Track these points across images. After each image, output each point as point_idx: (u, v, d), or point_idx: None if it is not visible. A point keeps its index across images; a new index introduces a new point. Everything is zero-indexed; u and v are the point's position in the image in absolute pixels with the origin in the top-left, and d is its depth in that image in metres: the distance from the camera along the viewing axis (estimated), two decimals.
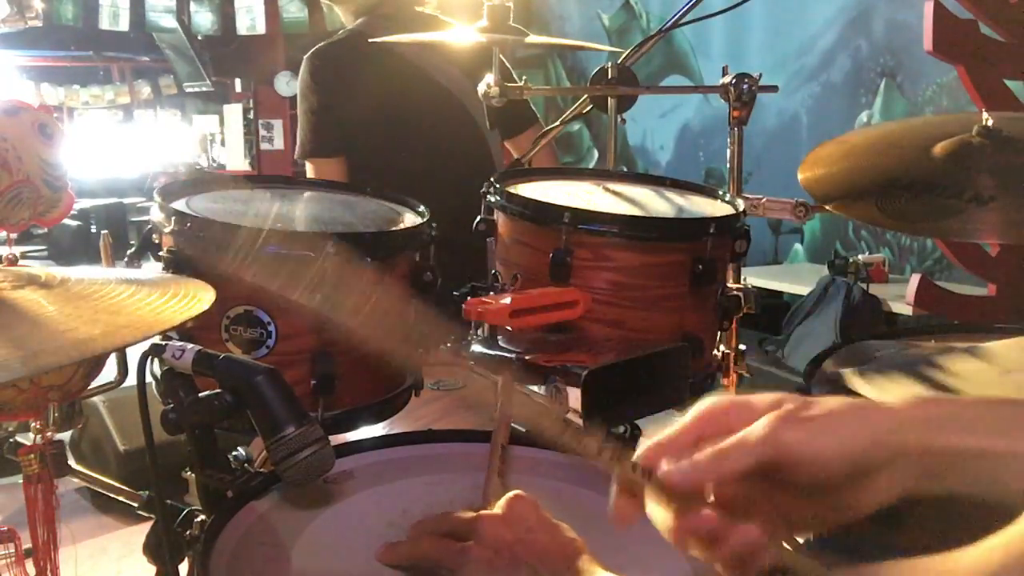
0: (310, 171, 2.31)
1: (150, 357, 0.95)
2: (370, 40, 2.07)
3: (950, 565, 0.57)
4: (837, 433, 0.62)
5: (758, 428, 0.63)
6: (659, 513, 0.66)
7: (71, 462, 1.40)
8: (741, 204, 1.37)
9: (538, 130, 2.42)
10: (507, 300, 1.15)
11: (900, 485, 0.64)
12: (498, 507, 0.79)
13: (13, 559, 1.29)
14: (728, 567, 0.65)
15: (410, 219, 1.33)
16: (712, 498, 0.65)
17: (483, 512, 0.79)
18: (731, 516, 0.64)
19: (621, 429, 1.27)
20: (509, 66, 2.23)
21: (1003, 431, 0.61)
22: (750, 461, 0.63)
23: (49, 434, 1.30)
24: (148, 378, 0.99)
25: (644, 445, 0.67)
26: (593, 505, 0.99)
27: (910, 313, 3.45)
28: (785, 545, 0.68)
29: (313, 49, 2.31)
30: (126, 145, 9.48)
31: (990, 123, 1.38)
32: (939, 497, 0.99)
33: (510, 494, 0.80)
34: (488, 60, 2.23)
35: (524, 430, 1.32)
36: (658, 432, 0.68)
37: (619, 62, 1.76)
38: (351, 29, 2.37)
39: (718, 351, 1.45)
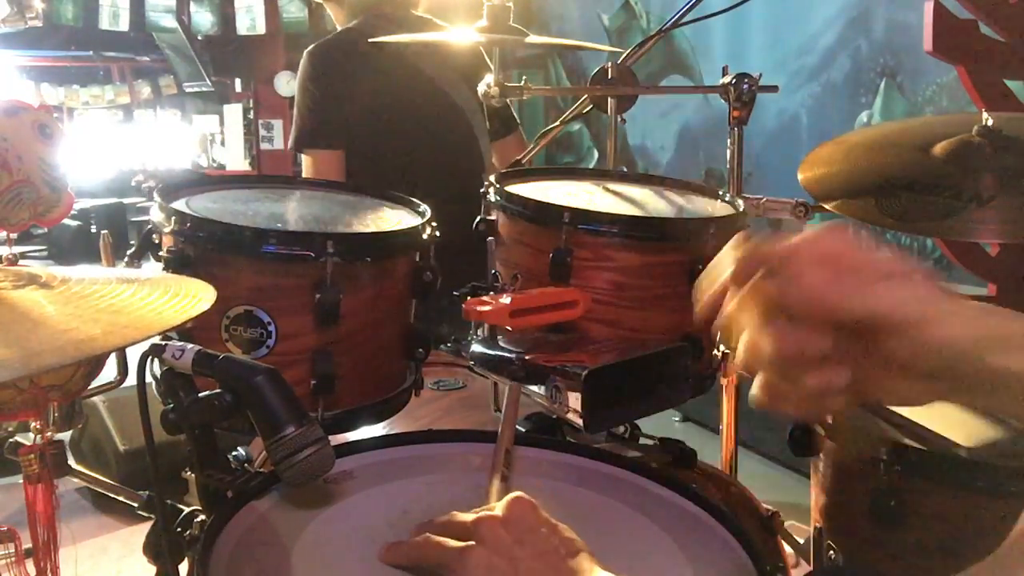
0: (306, 163, 2.33)
1: (150, 357, 0.95)
2: (369, 40, 2.09)
3: None
4: (960, 329, 0.61)
5: (896, 281, 0.61)
6: (742, 319, 0.65)
7: (71, 462, 1.40)
8: (741, 204, 1.37)
9: (519, 139, 2.48)
10: (507, 300, 1.15)
11: (957, 398, 0.64)
12: (498, 508, 0.79)
13: (13, 559, 1.29)
14: (802, 400, 0.63)
15: (410, 219, 1.33)
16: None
17: (483, 514, 0.79)
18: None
19: (621, 429, 1.27)
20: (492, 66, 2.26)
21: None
22: (875, 310, 0.61)
23: (49, 434, 1.30)
24: (148, 378, 0.99)
25: (753, 248, 0.67)
26: (593, 505, 0.99)
27: None
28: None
29: (313, 45, 2.34)
30: (126, 145, 9.47)
31: (990, 123, 1.38)
32: (937, 496, 1.00)
33: (510, 496, 0.81)
34: (482, 61, 2.26)
35: (524, 430, 1.33)
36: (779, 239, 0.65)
37: (619, 62, 1.76)
38: (349, 27, 2.40)
39: (718, 351, 1.45)
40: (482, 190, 1.34)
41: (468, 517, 0.80)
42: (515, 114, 2.49)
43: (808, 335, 0.62)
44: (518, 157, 1.95)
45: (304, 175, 2.36)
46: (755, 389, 0.66)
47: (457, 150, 2.36)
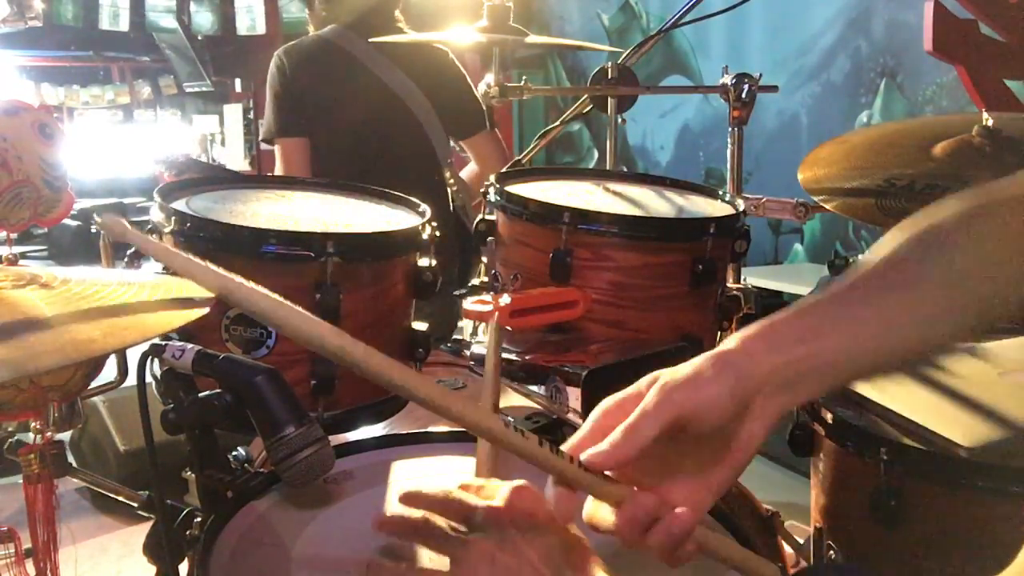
0: (277, 152, 2.49)
1: (150, 357, 0.95)
2: (337, 39, 2.41)
3: None
4: (712, 379, 0.71)
5: (651, 399, 0.71)
6: (598, 517, 0.73)
7: (71, 462, 1.40)
8: (741, 204, 1.37)
9: (494, 137, 2.61)
10: (507, 300, 1.15)
11: (774, 404, 0.72)
12: (501, 499, 0.78)
13: (13, 559, 1.29)
14: (662, 553, 0.72)
15: (410, 219, 1.33)
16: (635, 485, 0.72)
17: (487, 504, 0.78)
18: (659, 482, 0.72)
19: None
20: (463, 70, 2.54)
21: (805, 338, 0.73)
22: (656, 426, 0.70)
23: (49, 434, 1.30)
24: (148, 378, 0.99)
25: (561, 454, 0.73)
26: None
27: None
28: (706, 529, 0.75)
29: (282, 47, 2.54)
30: (126, 145, 9.47)
31: (990, 123, 1.38)
32: (937, 496, 0.99)
33: (514, 483, 0.79)
34: (436, 65, 2.49)
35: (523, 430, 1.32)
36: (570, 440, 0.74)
37: (619, 62, 1.76)
38: (318, 34, 2.57)
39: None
40: (451, 185, 1.35)
41: (470, 500, 0.79)
42: (490, 118, 2.61)
43: (628, 505, 0.72)
44: (517, 158, 1.96)
45: (277, 164, 2.51)
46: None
47: (410, 148, 2.50)
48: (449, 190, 2.48)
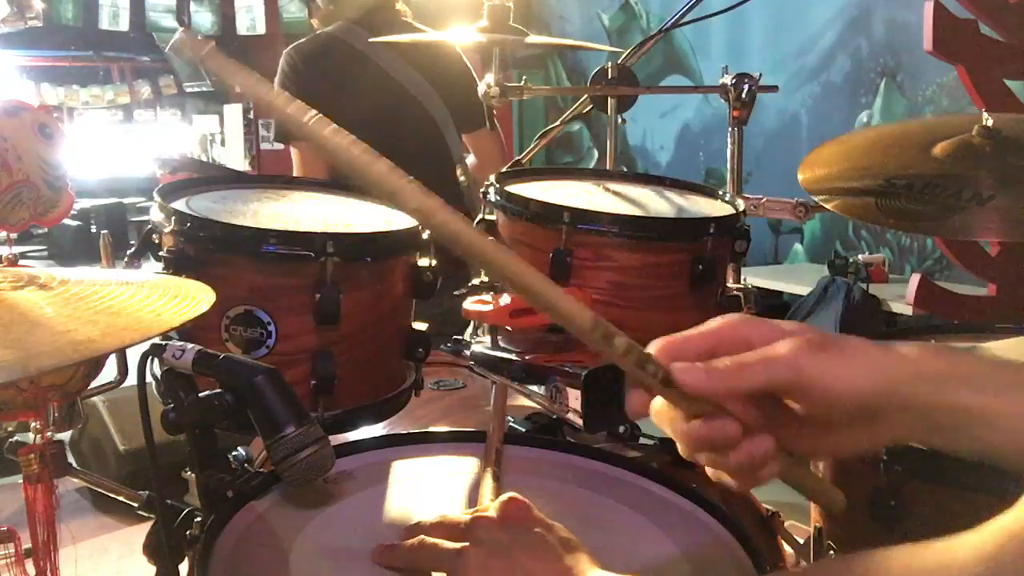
0: (294, 154, 2.48)
1: (150, 357, 0.95)
2: (346, 36, 2.38)
3: (946, 552, 0.57)
4: (854, 371, 0.62)
5: (781, 348, 0.63)
6: (667, 417, 0.67)
7: (71, 462, 1.40)
8: (741, 204, 1.37)
9: (496, 135, 2.63)
10: (507, 300, 1.15)
11: (897, 434, 0.64)
12: (492, 509, 0.79)
13: (13, 559, 1.29)
14: (736, 475, 0.66)
15: (410, 219, 1.33)
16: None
17: (478, 515, 0.79)
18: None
19: (621, 429, 1.27)
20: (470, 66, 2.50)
21: (1002, 390, 0.62)
22: (767, 379, 0.63)
23: (49, 434, 1.30)
24: (148, 378, 0.99)
25: (659, 343, 0.67)
26: (592, 505, 0.99)
27: (910, 313, 3.45)
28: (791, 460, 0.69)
29: (290, 46, 2.52)
30: (126, 145, 9.47)
31: (990, 123, 1.37)
32: (937, 496, 0.99)
33: (504, 496, 0.80)
34: (444, 59, 2.44)
35: (524, 430, 1.33)
36: (676, 336, 0.68)
37: (619, 62, 1.76)
38: (326, 31, 2.55)
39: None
40: (463, 183, 1.35)
41: (461, 517, 0.80)
42: (490, 118, 2.59)
43: (710, 426, 0.65)
44: (517, 158, 1.96)
45: (295, 166, 2.49)
46: (707, 471, 0.70)
47: (423, 144, 2.50)
48: (462, 188, 2.49)
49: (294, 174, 2.44)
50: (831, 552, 1.16)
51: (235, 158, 8.08)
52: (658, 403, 0.68)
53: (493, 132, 2.61)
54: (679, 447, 0.68)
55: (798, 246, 5.18)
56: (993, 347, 1.27)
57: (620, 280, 1.23)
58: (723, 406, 0.65)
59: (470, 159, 2.68)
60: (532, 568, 0.73)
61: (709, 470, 0.70)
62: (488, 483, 0.96)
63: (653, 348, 0.67)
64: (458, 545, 0.76)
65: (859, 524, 1.09)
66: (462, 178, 2.52)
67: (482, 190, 1.35)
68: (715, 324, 0.68)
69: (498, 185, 1.33)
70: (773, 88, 1.65)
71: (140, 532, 0.99)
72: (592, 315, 0.63)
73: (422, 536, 0.79)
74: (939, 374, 0.63)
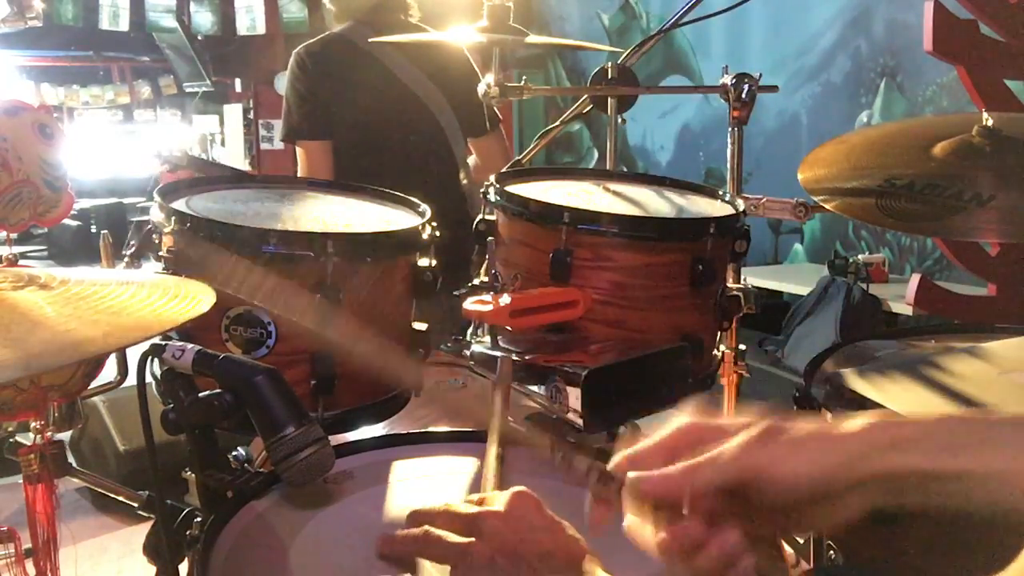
0: (300, 154, 2.46)
1: (150, 357, 0.95)
2: (348, 44, 2.36)
3: None
4: (806, 457, 0.64)
5: (731, 447, 0.66)
6: (637, 525, 0.70)
7: (71, 462, 1.40)
8: (741, 204, 1.37)
9: (500, 136, 2.62)
10: (507, 300, 1.15)
11: (863, 505, 0.65)
12: (500, 504, 0.78)
13: (13, 559, 1.29)
14: (709, 574, 0.67)
15: (410, 219, 1.33)
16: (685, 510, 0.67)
17: (485, 510, 0.78)
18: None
19: (621, 429, 1.27)
20: (477, 69, 2.49)
21: (953, 451, 0.63)
22: (721, 478, 0.65)
23: (49, 434, 1.30)
24: (148, 378, 0.99)
25: (618, 456, 0.70)
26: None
27: (910, 313, 3.45)
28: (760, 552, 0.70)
29: (300, 46, 2.50)
30: (126, 145, 9.47)
31: (990, 123, 1.37)
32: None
33: (513, 490, 0.80)
34: (456, 66, 2.45)
35: (523, 430, 1.32)
36: (632, 444, 0.70)
37: (619, 62, 1.76)
38: (335, 32, 2.54)
39: (718, 351, 1.45)
40: (466, 186, 1.35)
41: (467, 509, 0.80)
42: (498, 113, 2.60)
43: (674, 530, 0.67)
44: (517, 158, 1.96)
45: (299, 166, 2.47)
46: None
47: (428, 148, 2.49)
48: (465, 192, 2.48)
49: (299, 174, 2.43)
50: (831, 552, 1.16)
51: (235, 158, 8.07)
52: (630, 521, 0.70)
53: (498, 134, 2.61)
54: (655, 555, 0.69)
55: (798, 246, 5.17)
56: (993, 347, 1.28)
57: (620, 280, 1.23)
58: (685, 510, 0.67)
59: (471, 160, 2.67)
60: (538, 568, 0.73)
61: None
62: (492, 466, 0.95)
63: (613, 463, 0.70)
64: (464, 540, 0.76)
65: (859, 524, 1.08)
66: (464, 181, 2.52)
67: (482, 190, 1.35)
68: (669, 431, 0.70)
69: (498, 185, 1.33)
70: (773, 88, 1.65)
71: (140, 532, 0.99)
72: (550, 440, 0.69)
73: (427, 527, 0.78)
74: (888, 443, 0.64)
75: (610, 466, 0.70)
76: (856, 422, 0.66)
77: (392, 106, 2.46)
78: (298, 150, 2.46)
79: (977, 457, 0.63)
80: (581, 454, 0.69)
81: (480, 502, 0.80)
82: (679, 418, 0.70)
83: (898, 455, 0.64)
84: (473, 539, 0.75)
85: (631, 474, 0.68)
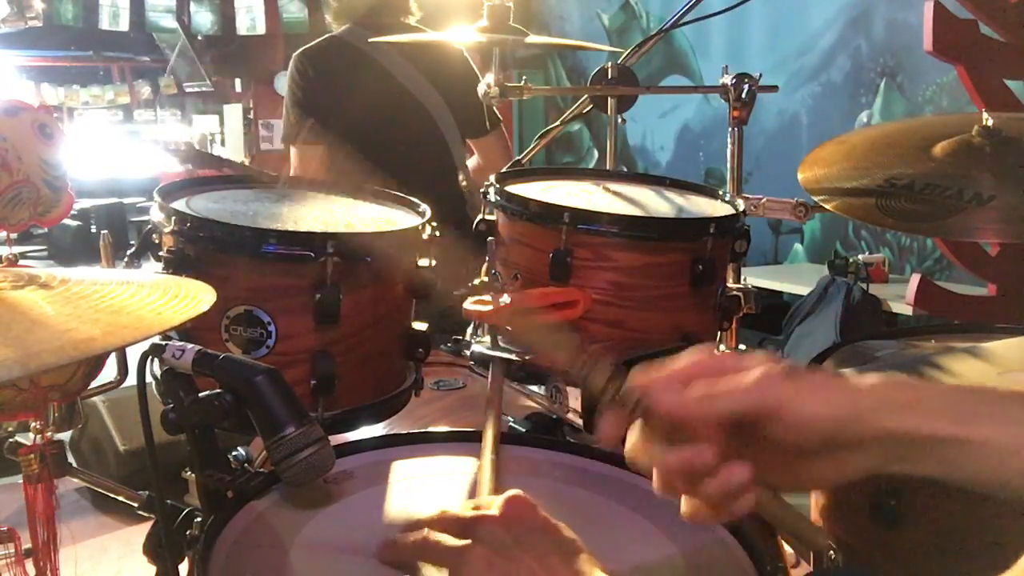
0: (293, 156, 2.51)
1: (150, 357, 0.95)
2: (347, 47, 2.41)
3: None
4: (823, 397, 0.65)
5: (751, 376, 0.66)
6: (643, 450, 0.69)
7: (71, 462, 1.40)
8: (741, 204, 1.37)
9: (501, 136, 2.63)
10: (507, 300, 1.15)
11: (866, 465, 0.66)
12: (496, 507, 0.79)
13: (13, 559, 1.29)
14: (713, 504, 0.67)
15: (410, 219, 1.33)
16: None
17: (481, 512, 0.78)
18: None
19: None
20: (477, 70, 2.48)
21: (960, 418, 0.64)
22: (738, 406, 0.65)
23: (49, 434, 1.29)
24: (148, 378, 0.99)
25: (636, 375, 0.70)
26: (592, 505, 0.99)
27: (910, 313, 3.45)
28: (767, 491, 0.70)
29: (300, 49, 2.53)
30: (126, 145, 9.46)
31: (990, 123, 1.37)
32: (938, 496, 0.99)
33: (508, 494, 0.80)
34: (455, 68, 2.46)
35: (524, 430, 1.33)
36: (650, 369, 0.70)
37: (619, 62, 1.76)
38: (334, 35, 2.57)
39: (718, 351, 1.45)
40: (465, 187, 1.35)
41: (463, 513, 0.80)
42: (497, 114, 2.60)
43: (687, 451, 0.67)
44: (517, 158, 1.96)
45: (292, 168, 2.51)
46: (682, 507, 0.71)
47: (426, 149, 2.51)
48: (465, 193, 2.49)
49: (290, 174, 2.44)
50: (831, 552, 1.16)
51: (235, 158, 8.07)
52: (633, 438, 0.70)
53: (499, 134, 2.62)
54: (655, 481, 0.70)
55: (798, 246, 5.17)
56: (993, 347, 1.27)
57: (620, 280, 1.23)
58: (697, 436, 0.67)
59: (472, 161, 2.68)
60: (535, 569, 0.73)
61: (684, 504, 0.71)
62: (487, 471, 0.95)
63: (630, 383, 0.70)
64: (461, 542, 0.76)
65: (859, 524, 1.08)
66: (464, 183, 2.52)
67: (482, 190, 1.35)
68: (687, 360, 0.70)
69: (498, 185, 1.33)
70: (773, 88, 1.65)
71: (140, 532, 0.99)
72: (574, 350, 0.67)
73: (426, 530, 0.79)
74: (901, 403, 0.65)
75: (626, 385, 0.69)
76: (871, 377, 0.67)
77: (390, 108, 2.48)
78: (292, 152, 2.50)
79: (983, 427, 0.64)
80: (602, 367, 0.67)
81: (476, 508, 0.81)
82: (694, 350, 0.70)
83: (906, 414, 0.64)
84: (470, 541, 0.75)
85: (655, 392, 0.67)
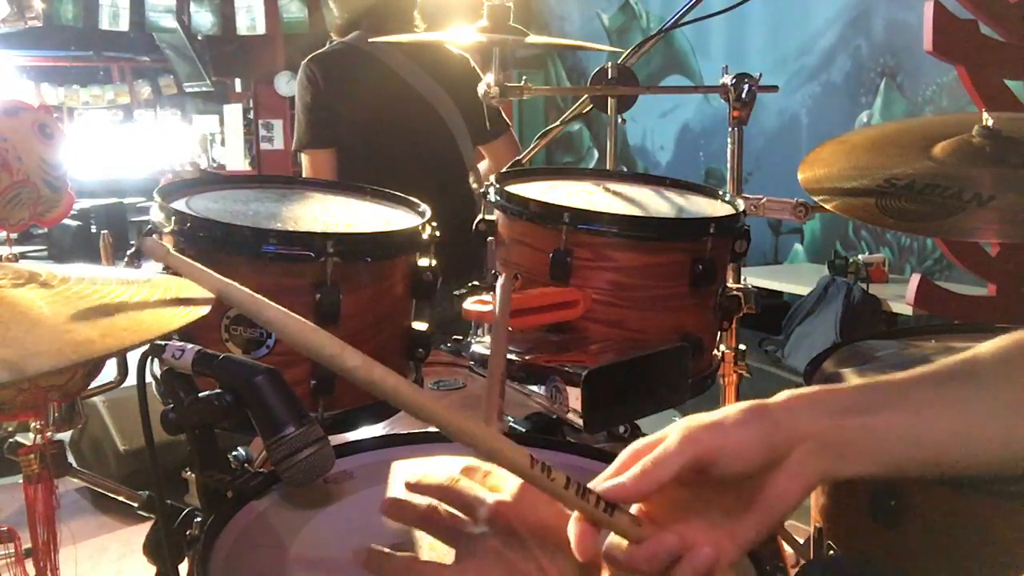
0: (304, 162, 2.52)
1: (150, 357, 0.95)
2: (359, 51, 2.41)
3: None
4: (742, 425, 0.69)
5: (673, 438, 0.69)
6: (619, 552, 0.70)
7: (71, 462, 1.40)
8: (741, 204, 1.37)
9: (510, 139, 2.63)
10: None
11: (815, 466, 0.69)
12: (509, 494, 0.78)
13: (13, 559, 1.29)
14: None
15: (410, 219, 1.33)
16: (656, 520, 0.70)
17: (495, 499, 0.78)
18: (677, 525, 0.69)
19: (621, 429, 1.27)
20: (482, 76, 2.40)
21: (859, 410, 0.69)
22: (676, 464, 0.68)
23: (49, 434, 1.30)
24: (148, 378, 0.99)
25: (596, 481, 0.72)
26: None
27: (910, 313, 3.45)
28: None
29: (310, 55, 2.54)
30: (126, 145, 9.47)
31: (990, 123, 1.38)
32: (937, 496, 0.99)
33: (522, 481, 0.79)
34: (466, 75, 2.47)
35: (524, 430, 1.33)
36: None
37: (619, 62, 1.76)
38: (344, 41, 2.57)
39: (718, 351, 1.45)
40: (475, 189, 1.35)
41: (474, 490, 0.79)
42: (505, 118, 2.59)
43: (650, 543, 0.68)
44: (517, 158, 1.96)
45: (304, 173, 2.53)
46: None
47: (437, 152, 2.51)
48: (475, 196, 2.49)
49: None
50: (831, 553, 1.16)
51: (235, 158, 8.08)
52: (609, 546, 0.71)
53: (508, 138, 2.62)
54: None
55: (798, 246, 5.18)
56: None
57: (620, 280, 1.23)
58: (660, 526, 0.69)
59: (483, 166, 2.67)
60: (545, 566, 0.73)
61: None
62: (495, 402, 0.95)
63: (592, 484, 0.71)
64: (476, 529, 0.75)
65: (859, 524, 1.09)
66: (474, 185, 2.52)
67: (482, 190, 1.35)
68: (621, 457, 0.73)
69: (498, 185, 1.33)
70: (773, 88, 1.65)
71: (140, 532, 0.99)
72: (528, 455, 0.68)
73: (434, 504, 0.78)
74: (807, 404, 0.70)
75: (592, 485, 0.71)
76: (779, 394, 0.71)
77: (400, 110, 2.48)
78: (304, 158, 2.51)
79: (882, 416, 0.69)
80: (557, 471, 0.69)
81: (485, 476, 0.80)
82: (629, 447, 0.73)
83: (817, 414, 0.69)
84: (484, 529, 0.75)
85: (603, 485, 0.70)
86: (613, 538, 0.71)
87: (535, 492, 0.77)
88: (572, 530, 0.70)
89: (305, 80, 2.48)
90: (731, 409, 0.71)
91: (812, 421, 0.69)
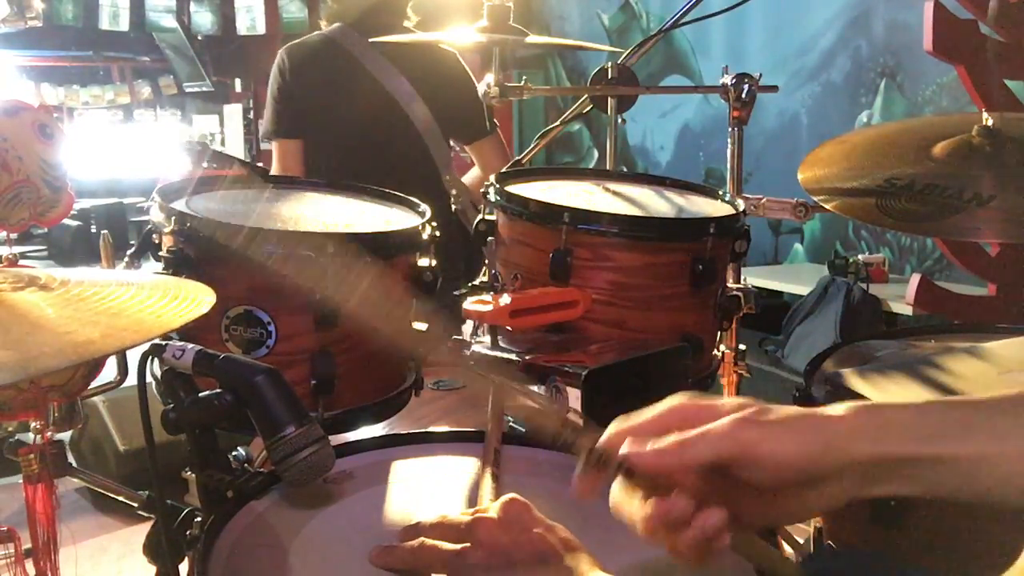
0: (274, 151, 2.53)
1: (150, 357, 0.95)
2: (340, 38, 2.43)
3: None
4: (793, 437, 0.66)
5: (721, 423, 0.67)
6: (624, 502, 0.70)
7: (71, 462, 1.40)
8: (741, 204, 1.37)
9: (496, 140, 2.60)
10: (507, 300, 1.15)
11: (842, 493, 0.67)
12: (493, 510, 0.79)
13: (13, 559, 1.29)
14: (691, 552, 0.68)
15: (410, 219, 1.33)
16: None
17: (478, 516, 0.79)
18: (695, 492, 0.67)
19: None
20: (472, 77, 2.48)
21: (935, 437, 0.65)
22: (710, 453, 0.67)
23: (49, 434, 1.30)
24: (148, 378, 0.99)
25: (611, 430, 0.71)
26: (591, 505, 0.99)
27: (910, 313, 3.45)
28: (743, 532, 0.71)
29: (284, 46, 2.56)
30: (126, 145, 9.46)
31: (990, 123, 1.38)
32: (936, 498, 0.99)
33: (505, 497, 0.80)
34: (442, 69, 2.47)
35: (524, 430, 1.33)
36: (626, 421, 0.71)
37: (619, 62, 1.76)
38: (321, 33, 2.58)
39: (718, 351, 1.45)
40: (449, 190, 1.35)
41: (461, 518, 0.80)
42: (494, 120, 2.58)
43: (663, 504, 0.68)
44: (516, 157, 1.96)
45: (273, 163, 2.52)
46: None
47: (405, 151, 2.49)
48: (450, 195, 2.47)
49: (272, 172, 2.43)
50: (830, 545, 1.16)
51: None
52: (616, 492, 0.71)
53: (494, 137, 2.60)
54: (638, 531, 0.70)
55: (798, 246, 5.17)
56: (993, 347, 1.27)
57: (620, 280, 1.23)
58: (675, 485, 0.68)
59: (474, 170, 2.66)
60: (533, 569, 0.73)
61: (669, 551, 0.72)
62: (488, 483, 0.96)
63: (605, 438, 0.71)
64: (458, 546, 0.76)
65: (859, 524, 1.09)
66: (450, 187, 2.49)
67: (482, 190, 1.35)
68: (661, 410, 0.71)
69: (498, 185, 1.33)
70: (773, 88, 1.65)
71: (140, 532, 0.99)
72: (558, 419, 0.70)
73: (422, 538, 0.79)
74: (869, 430, 0.66)
75: (602, 440, 0.71)
76: (841, 406, 0.68)
77: (370, 111, 2.47)
78: (273, 148, 2.52)
79: (959, 442, 0.65)
80: (584, 434, 0.70)
81: (474, 513, 0.81)
82: (672, 397, 0.71)
83: (875, 441, 0.66)
84: (467, 544, 0.75)
85: (623, 449, 0.69)
86: (618, 491, 0.71)
87: (518, 507, 0.78)
88: (576, 476, 0.70)
89: (276, 69, 2.51)
90: (791, 412, 0.68)
91: (874, 446, 0.65)
